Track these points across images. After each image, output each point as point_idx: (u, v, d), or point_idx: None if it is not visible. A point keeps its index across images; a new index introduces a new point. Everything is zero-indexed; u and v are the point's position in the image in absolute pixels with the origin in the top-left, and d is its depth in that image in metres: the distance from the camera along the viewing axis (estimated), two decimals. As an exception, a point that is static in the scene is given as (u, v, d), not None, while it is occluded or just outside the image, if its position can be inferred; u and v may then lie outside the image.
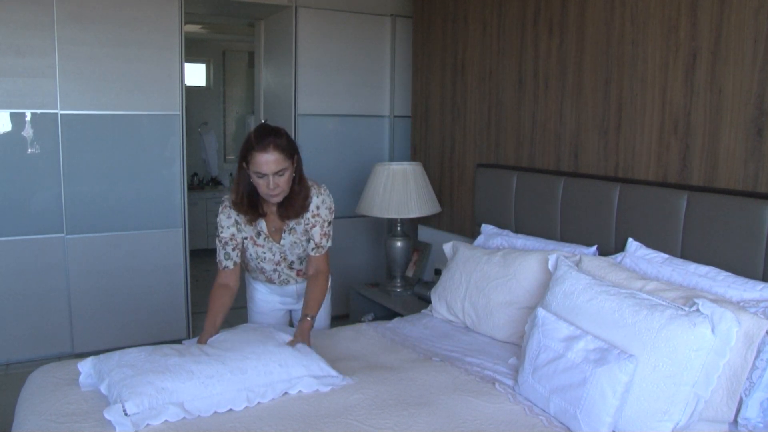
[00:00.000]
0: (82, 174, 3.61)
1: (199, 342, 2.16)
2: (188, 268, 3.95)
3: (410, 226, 3.91)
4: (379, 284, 3.76)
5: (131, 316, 3.79)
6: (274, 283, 2.47)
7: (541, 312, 2.00)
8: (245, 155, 2.16)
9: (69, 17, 3.46)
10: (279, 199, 2.20)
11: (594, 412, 1.68)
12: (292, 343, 2.10)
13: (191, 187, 6.40)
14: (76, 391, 1.90)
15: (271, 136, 2.14)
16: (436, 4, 3.65)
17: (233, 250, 2.33)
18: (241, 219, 2.30)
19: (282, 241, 2.35)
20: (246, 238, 2.34)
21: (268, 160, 2.11)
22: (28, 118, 3.47)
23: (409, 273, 3.74)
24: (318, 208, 2.32)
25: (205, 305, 5.04)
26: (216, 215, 2.37)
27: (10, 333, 3.53)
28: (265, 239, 2.34)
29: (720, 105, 2.13)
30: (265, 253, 2.36)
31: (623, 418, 1.68)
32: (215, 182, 6.77)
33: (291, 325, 2.63)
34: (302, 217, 2.31)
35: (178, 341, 2.58)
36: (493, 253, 2.59)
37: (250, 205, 2.25)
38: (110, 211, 3.70)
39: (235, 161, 6.85)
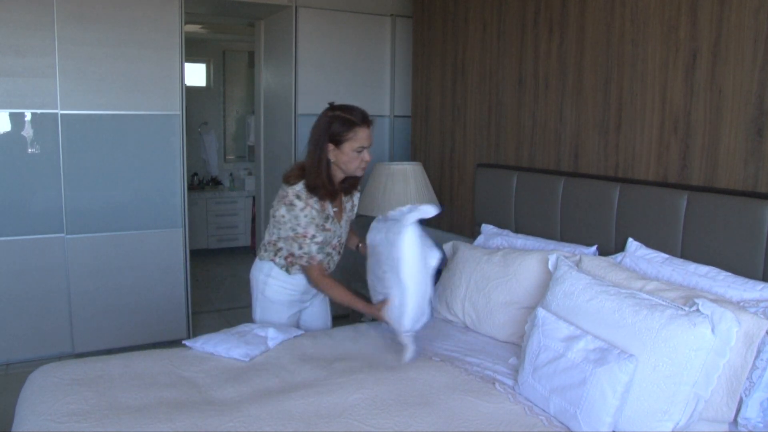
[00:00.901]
0: (82, 174, 3.61)
1: (369, 308, 2.34)
2: (188, 268, 3.95)
3: (410, 226, 3.90)
4: (379, 284, 3.76)
5: (131, 316, 3.79)
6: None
7: (541, 312, 2.00)
8: (343, 134, 2.29)
9: (69, 17, 3.46)
10: (364, 169, 2.39)
11: (594, 412, 1.68)
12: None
13: (191, 187, 6.40)
14: (76, 390, 1.90)
15: (362, 111, 2.34)
16: (436, 4, 3.65)
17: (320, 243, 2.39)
18: (318, 207, 2.36)
19: (341, 222, 2.47)
20: (318, 226, 2.38)
21: (369, 134, 2.33)
22: (28, 118, 3.47)
23: (409, 273, 3.74)
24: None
25: (205, 305, 5.03)
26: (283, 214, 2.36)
27: (10, 333, 3.53)
28: (332, 222, 2.43)
29: (720, 105, 2.13)
30: (332, 237, 2.45)
31: (623, 418, 1.69)
32: (215, 182, 6.77)
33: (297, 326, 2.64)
34: (354, 194, 2.56)
35: (178, 341, 2.58)
36: (493, 253, 2.59)
37: (331, 184, 2.37)
38: (110, 211, 3.70)
39: (235, 161, 6.92)
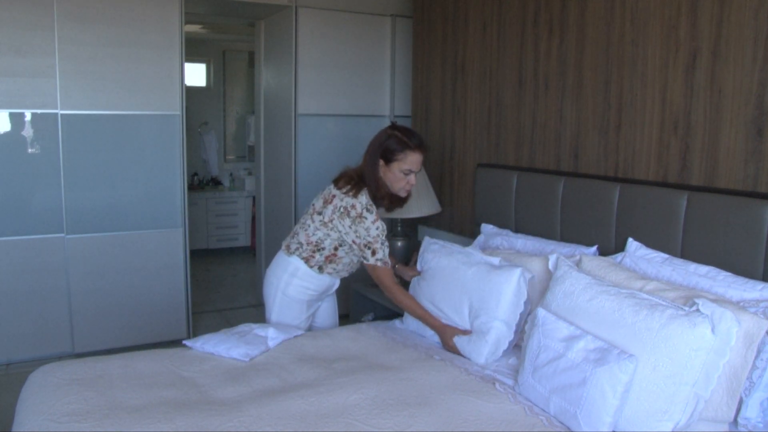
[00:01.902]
0: (82, 174, 3.61)
1: (448, 330, 2.35)
2: (188, 268, 3.95)
3: (410, 226, 3.91)
4: (379, 284, 3.76)
5: (131, 316, 3.79)
6: (348, 274, 2.61)
7: (541, 312, 2.00)
8: (394, 153, 2.38)
9: (69, 17, 3.46)
10: (409, 191, 2.48)
11: (594, 411, 1.68)
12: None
13: (191, 187, 6.40)
14: (76, 390, 1.91)
15: (420, 137, 2.43)
16: (436, 4, 3.65)
17: None
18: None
19: None
20: None
21: (419, 160, 2.41)
22: (28, 118, 3.47)
23: (409, 273, 3.74)
24: None
25: (205, 305, 5.03)
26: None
27: (10, 333, 3.53)
28: None
29: (720, 105, 2.13)
30: None
31: (623, 418, 1.69)
32: (215, 182, 6.78)
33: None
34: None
35: (178, 341, 2.58)
36: (494, 253, 2.59)
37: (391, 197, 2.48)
38: (110, 211, 3.71)
39: (235, 161, 6.93)
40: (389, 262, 2.44)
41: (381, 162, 2.41)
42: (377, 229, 2.39)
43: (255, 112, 5.00)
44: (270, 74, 4.58)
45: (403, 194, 2.49)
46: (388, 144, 2.40)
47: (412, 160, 2.39)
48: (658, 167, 2.37)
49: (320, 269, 2.50)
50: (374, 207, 2.40)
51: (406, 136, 2.40)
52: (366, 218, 2.37)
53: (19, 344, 3.56)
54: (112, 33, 3.57)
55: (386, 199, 2.47)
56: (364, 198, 2.39)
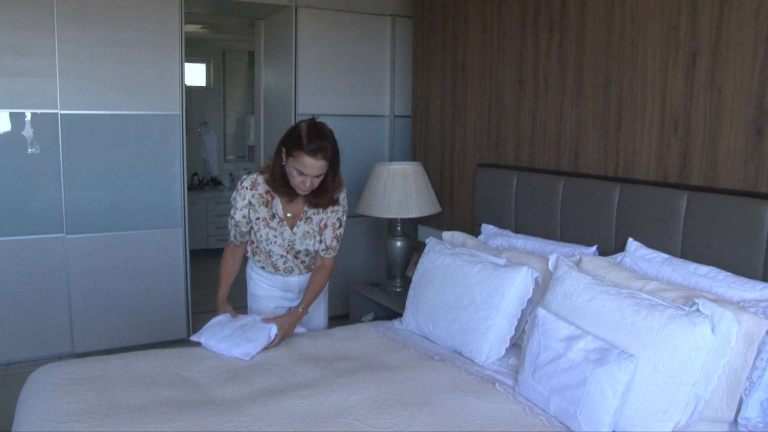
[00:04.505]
0: (82, 174, 3.61)
1: (219, 300, 2.48)
2: (188, 268, 3.95)
3: (410, 226, 3.91)
4: (379, 284, 3.77)
5: (131, 316, 3.79)
6: (279, 270, 2.51)
7: (541, 312, 2.00)
8: (291, 149, 2.22)
9: (69, 17, 3.46)
10: (307, 192, 2.31)
11: (594, 411, 1.68)
12: (275, 323, 2.35)
13: (191, 187, 6.40)
14: (76, 390, 1.91)
15: (324, 141, 2.21)
16: (436, 4, 3.65)
17: (245, 232, 2.46)
18: (256, 200, 2.39)
19: (295, 229, 2.42)
20: (258, 219, 2.41)
21: (313, 165, 2.20)
22: (28, 118, 3.47)
23: (410, 273, 3.74)
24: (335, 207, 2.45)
25: (205, 305, 5.03)
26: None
27: (10, 333, 3.53)
28: (278, 223, 2.41)
29: (720, 105, 2.13)
30: (276, 237, 2.42)
31: (623, 418, 1.69)
32: (215, 182, 6.77)
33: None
34: (326, 209, 2.43)
35: (178, 341, 2.58)
36: (500, 253, 2.59)
37: (286, 185, 2.33)
38: (110, 211, 3.70)
39: (235, 161, 6.93)
40: (233, 242, 2.50)
41: (284, 151, 2.26)
42: (242, 202, 2.39)
43: (255, 112, 5.00)
44: (270, 74, 4.58)
45: (299, 192, 2.30)
46: (290, 137, 2.25)
47: (303, 162, 2.19)
48: (658, 167, 2.37)
49: (259, 265, 2.55)
50: (252, 185, 2.38)
51: (308, 137, 2.19)
52: (239, 191, 2.41)
53: (19, 344, 3.56)
54: (112, 33, 3.57)
55: (279, 186, 2.32)
56: (254, 175, 2.42)
